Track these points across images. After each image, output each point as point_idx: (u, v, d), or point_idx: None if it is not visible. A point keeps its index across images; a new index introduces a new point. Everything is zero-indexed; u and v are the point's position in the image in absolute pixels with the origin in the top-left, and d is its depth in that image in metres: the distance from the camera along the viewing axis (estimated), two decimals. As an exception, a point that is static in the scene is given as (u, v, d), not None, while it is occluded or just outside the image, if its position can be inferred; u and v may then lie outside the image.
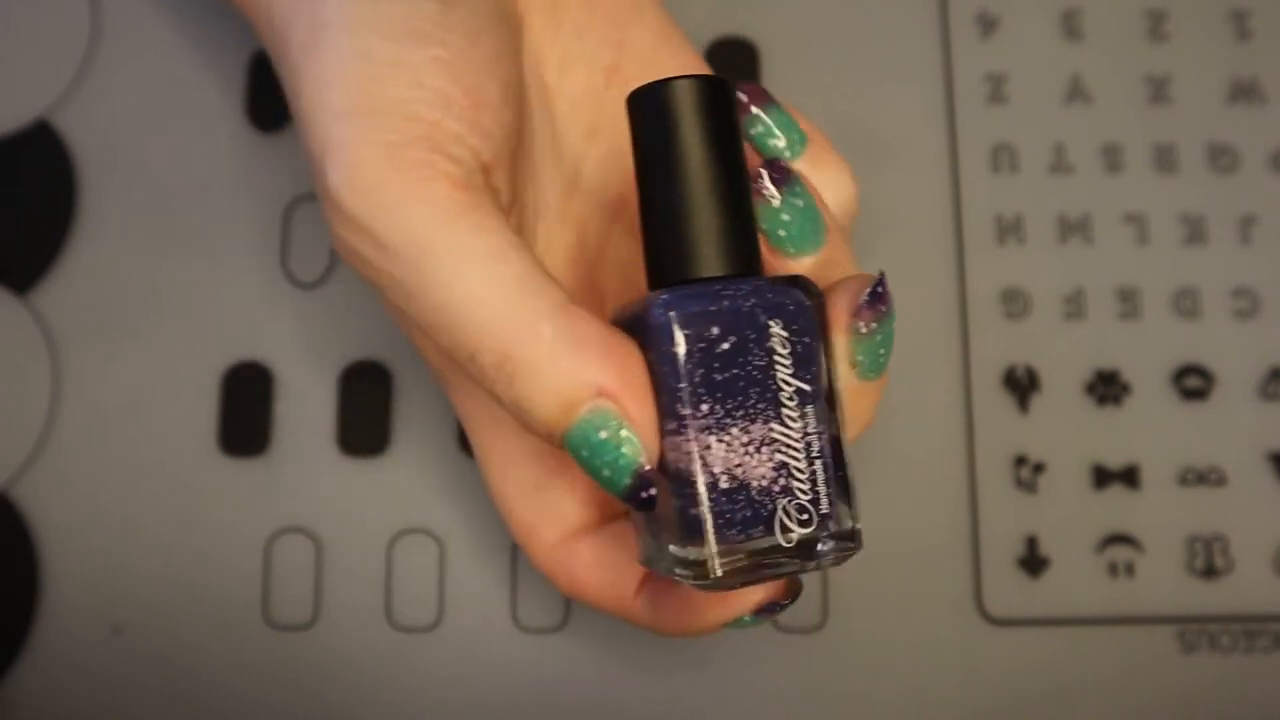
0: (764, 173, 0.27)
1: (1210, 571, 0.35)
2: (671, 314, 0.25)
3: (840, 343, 0.26)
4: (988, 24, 0.38)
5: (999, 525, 0.35)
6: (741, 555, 0.25)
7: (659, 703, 0.34)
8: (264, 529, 0.35)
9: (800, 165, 0.29)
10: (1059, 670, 0.34)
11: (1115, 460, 0.35)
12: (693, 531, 0.25)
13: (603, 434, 0.25)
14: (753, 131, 0.28)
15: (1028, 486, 0.35)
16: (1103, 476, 0.35)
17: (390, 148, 0.26)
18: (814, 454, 0.25)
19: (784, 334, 0.25)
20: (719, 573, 0.25)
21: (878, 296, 0.26)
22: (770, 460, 0.25)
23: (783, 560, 0.25)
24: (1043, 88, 0.37)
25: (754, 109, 0.29)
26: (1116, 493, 0.35)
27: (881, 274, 0.26)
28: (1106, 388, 0.36)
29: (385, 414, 0.36)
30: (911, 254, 0.36)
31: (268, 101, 0.37)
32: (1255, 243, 0.36)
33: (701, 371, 0.25)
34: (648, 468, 0.25)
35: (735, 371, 0.25)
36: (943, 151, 0.37)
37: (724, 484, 0.25)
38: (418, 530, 0.35)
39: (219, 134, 0.37)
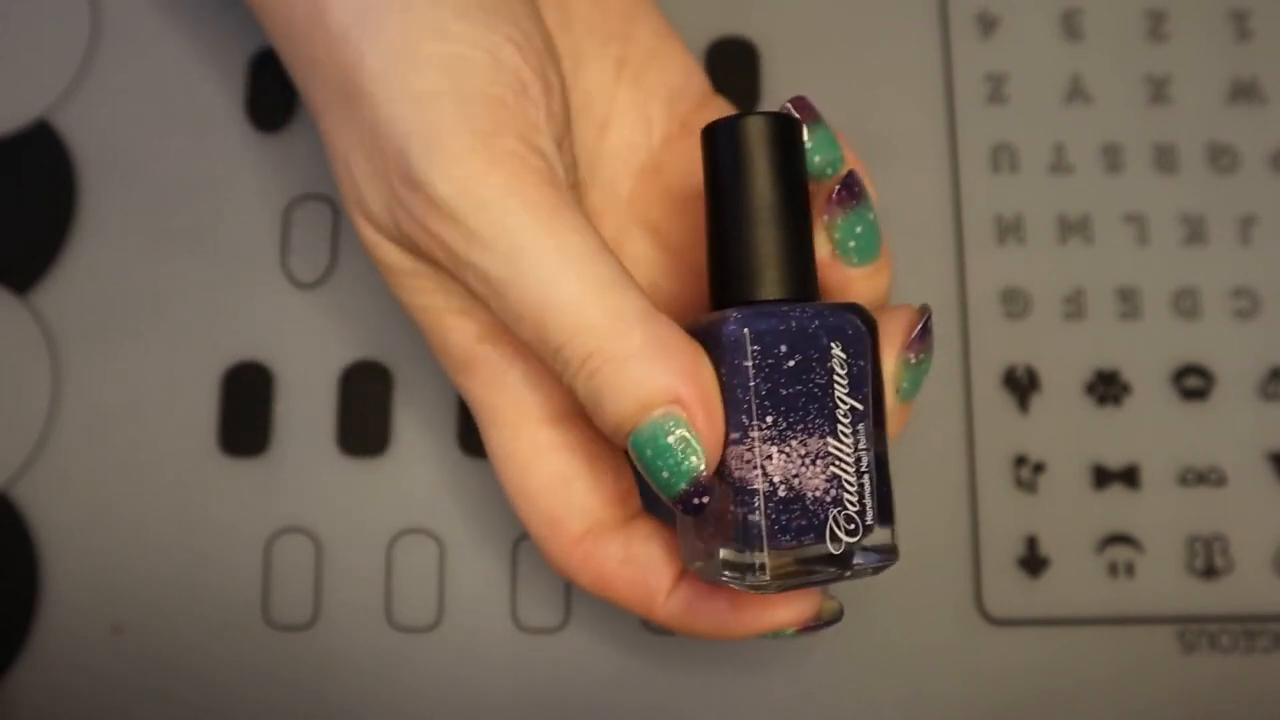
0: (848, 185, 0.28)
1: (1210, 571, 0.35)
2: (745, 330, 0.27)
3: (890, 369, 0.28)
4: (988, 24, 0.38)
5: (999, 525, 0.35)
6: (792, 561, 0.26)
7: (658, 703, 0.34)
8: (264, 529, 0.35)
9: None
10: (1059, 670, 0.34)
11: (1115, 460, 0.35)
12: (749, 536, 0.26)
13: (671, 438, 0.26)
14: (810, 140, 0.29)
15: (1028, 486, 0.35)
16: (1103, 476, 0.35)
17: (483, 137, 0.27)
18: (863, 469, 0.27)
19: (843, 355, 0.27)
20: (769, 577, 0.26)
21: (925, 332, 0.29)
22: (824, 472, 0.27)
23: (830, 568, 0.27)
24: (1043, 88, 0.37)
25: (814, 119, 0.29)
26: (1116, 493, 0.35)
27: (928, 309, 0.29)
28: (1106, 388, 0.36)
29: (385, 414, 0.36)
30: (911, 254, 0.36)
31: (268, 101, 0.37)
32: (1255, 243, 0.36)
33: (769, 386, 0.26)
34: (706, 476, 0.26)
35: (798, 388, 0.27)
36: (943, 151, 0.37)
37: (782, 492, 0.26)
38: (418, 530, 0.35)
39: (219, 134, 0.37)
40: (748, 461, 0.26)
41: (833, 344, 0.27)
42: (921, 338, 0.28)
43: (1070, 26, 0.38)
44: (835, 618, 0.30)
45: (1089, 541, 0.35)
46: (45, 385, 0.36)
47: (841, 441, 0.27)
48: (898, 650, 0.34)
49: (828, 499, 0.27)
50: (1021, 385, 0.36)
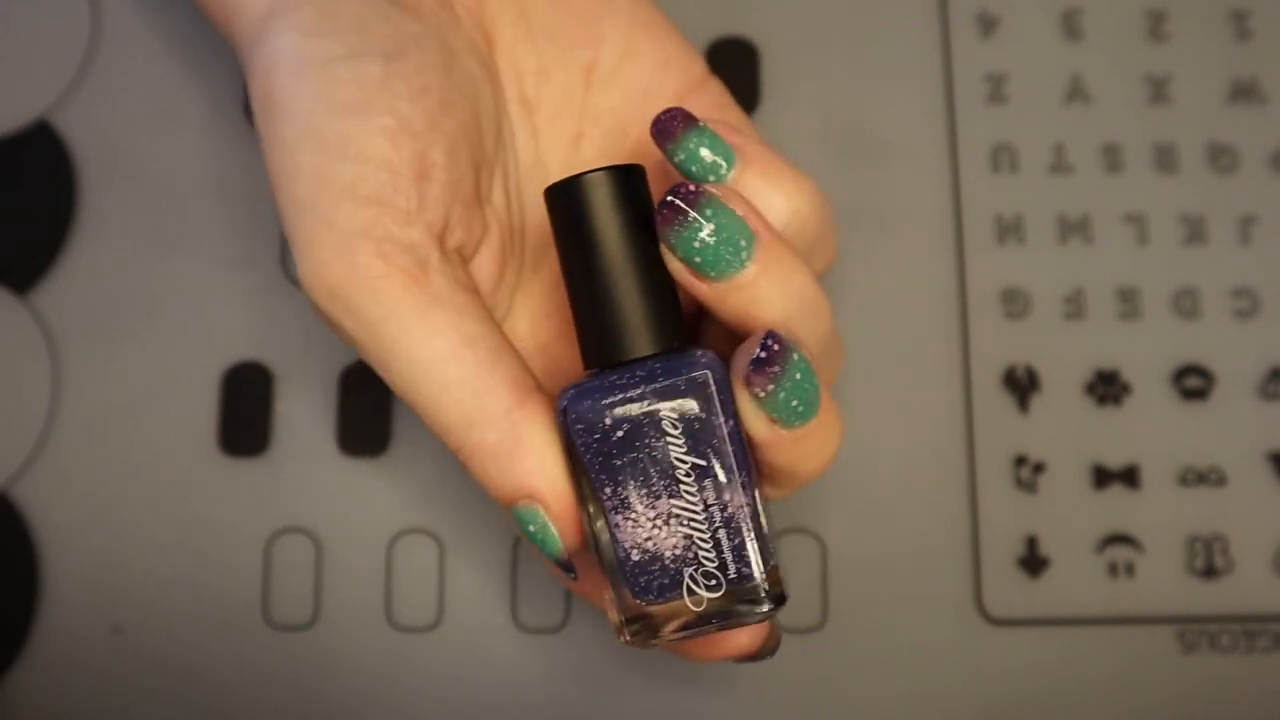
0: (669, 200, 0.27)
1: (1210, 571, 0.35)
2: (567, 411, 0.27)
3: (744, 407, 0.27)
4: (988, 24, 0.38)
5: (999, 525, 0.35)
6: (654, 619, 0.27)
7: (658, 703, 0.34)
8: (264, 529, 0.35)
9: (738, 182, 0.29)
10: (1059, 670, 0.34)
11: (1115, 460, 0.35)
12: (616, 597, 0.28)
13: (532, 527, 0.28)
14: (675, 160, 0.28)
15: (1028, 486, 0.35)
16: (1103, 476, 0.35)
17: (347, 239, 0.28)
18: (717, 524, 0.27)
19: (674, 416, 0.27)
20: (641, 635, 0.28)
21: (762, 361, 0.27)
22: (678, 532, 0.27)
23: (704, 620, 0.27)
24: (1043, 88, 0.37)
25: (677, 134, 0.28)
26: (1116, 493, 0.35)
27: (767, 335, 0.27)
28: (1106, 388, 0.36)
29: (385, 414, 0.36)
30: (911, 254, 0.36)
31: (268, 101, 0.37)
32: (1255, 243, 0.36)
33: (600, 459, 0.27)
34: (566, 556, 0.28)
35: (633, 455, 0.27)
36: (943, 151, 0.37)
37: (635, 556, 0.27)
38: (418, 530, 0.35)
39: (219, 134, 0.37)
40: (600, 531, 0.27)
41: (663, 405, 0.27)
42: (759, 370, 0.27)
43: (1070, 26, 0.38)
44: (774, 650, 0.30)
45: (1089, 541, 0.35)
46: (45, 385, 0.36)
47: (687, 501, 0.27)
48: (898, 650, 0.34)
49: (687, 556, 0.27)
50: (1021, 385, 0.36)
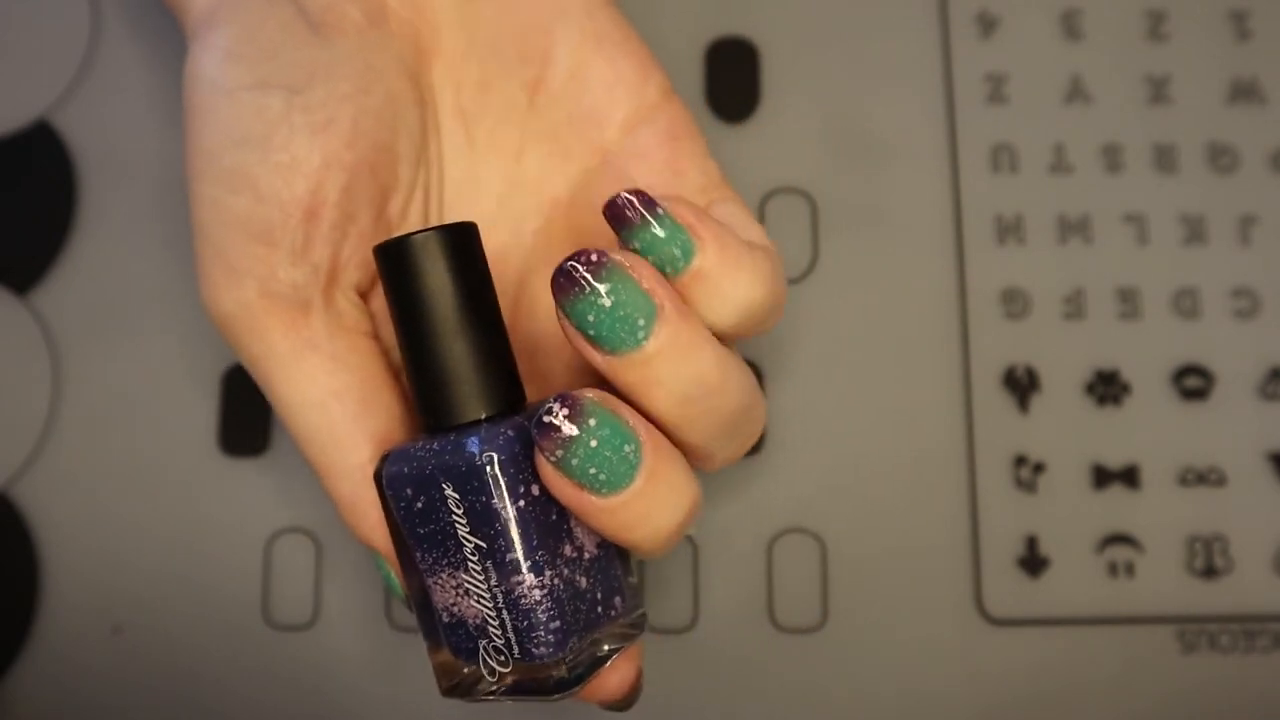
0: (568, 267, 0.26)
1: (1210, 571, 0.35)
2: (380, 476, 0.27)
3: (543, 468, 0.26)
4: (988, 24, 0.38)
5: (999, 525, 0.35)
6: (467, 678, 0.28)
7: (658, 703, 0.34)
8: (264, 529, 0.35)
9: (693, 274, 0.26)
10: (1059, 670, 0.34)
11: (1115, 460, 0.35)
12: (435, 649, 0.28)
13: (381, 572, 0.30)
14: (634, 245, 0.26)
15: (1028, 486, 0.35)
16: (1103, 476, 0.35)
17: (235, 274, 0.29)
18: (501, 605, 0.26)
19: (456, 495, 0.26)
20: (441, 687, 0.28)
21: (546, 426, 0.25)
22: (474, 604, 0.27)
23: (501, 690, 0.27)
24: (1043, 88, 0.37)
25: (634, 223, 0.26)
26: (1116, 493, 0.35)
27: (557, 396, 0.26)
28: (1106, 388, 0.36)
29: (385, 414, 0.36)
30: (911, 254, 0.36)
31: (268, 101, 0.37)
32: (1255, 243, 0.36)
33: (409, 526, 0.27)
34: (409, 604, 0.29)
35: (433, 526, 0.27)
36: (943, 151, 0.37)
37: (446, 618, 0.27)
38: (418, 530, 0.35)
39: (219, 134, 0.37)
40: (421, 587, 0.28)
41: (445, 484, 0.26)
42: (542, 433, 0.25)
43: (1070, 26, 0.38)
44: (632, 703, 0.30)
45: (1089, 541, 0.35)
46: (45, 385, 0.36)
47: (475, 578, 0.26)
48: (897, 650, 0.34)
49: (481, 628, 0.27)
50: (1021, 385, 0.36)
